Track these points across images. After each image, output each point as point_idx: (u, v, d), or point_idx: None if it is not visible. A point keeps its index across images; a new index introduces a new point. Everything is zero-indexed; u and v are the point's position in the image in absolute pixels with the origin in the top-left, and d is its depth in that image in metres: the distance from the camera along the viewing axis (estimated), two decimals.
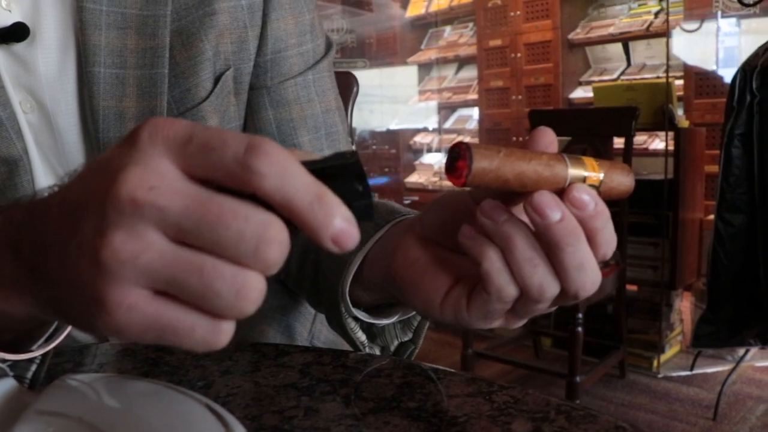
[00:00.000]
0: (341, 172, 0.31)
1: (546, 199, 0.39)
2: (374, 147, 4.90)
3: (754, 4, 2.62)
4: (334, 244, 0.29)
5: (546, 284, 0.40)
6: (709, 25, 3.09)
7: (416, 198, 4.51)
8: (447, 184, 4.26)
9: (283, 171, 0.29)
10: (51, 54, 0.64)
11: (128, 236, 0.28)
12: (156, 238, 0.29)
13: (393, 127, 4.92)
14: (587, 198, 0.39)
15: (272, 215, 0.29)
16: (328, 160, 0.31)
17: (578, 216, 0.39)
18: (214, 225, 0.28)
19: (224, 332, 0.30)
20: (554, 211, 0.39)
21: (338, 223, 0.29)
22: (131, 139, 0.30)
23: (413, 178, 4.67)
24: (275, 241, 0.29)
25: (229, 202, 0.29)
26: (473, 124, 4.43)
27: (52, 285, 0.32)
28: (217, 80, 0.69)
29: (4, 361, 0.42)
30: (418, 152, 4.83)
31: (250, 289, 0.29)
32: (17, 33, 0.62)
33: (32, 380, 0.45)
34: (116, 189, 0.28)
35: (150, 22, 0.65)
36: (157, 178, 0.29)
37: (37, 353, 0.44)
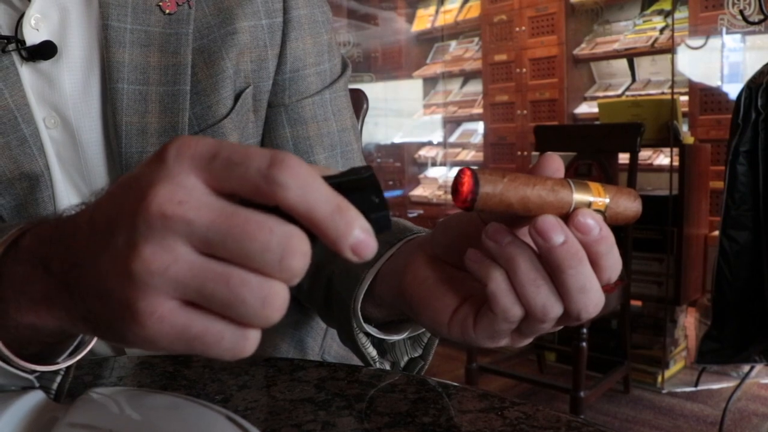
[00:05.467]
0: (358, 186, 0.32)
1: (549, 223, 0.40)
2: (379, 160, 4.91)
3: (759, 22, 2.63)
4: (354, 254, 0.31)
5: (549, 305, 0.41)
6: (714, 42, 3.11)
7: (421, 211, 4.51)
8: (452, 197, 4.25)
9: (306, 183, 0.30)
10: (76, 71, 0.66)
11: (158, 248, 0.30)
12: (185, 251, 0.30)
13: (398, 140, 4.94)
14: (592, 223, 0.40)
15: (295, 227, 0.30)
16: (345, 175, 0.33)
17: (582, 240, 0.40)
18: (241, 237, 0.30)
19: (250, 340, 0.31)
20: (557, 234, 0.40)
21: (357, 234, 0.30)
22: (159, 157, 0.31)
23: (418, 192, 4.67)
24: (298, 252, 0.30)
25: (254, 215, 0.30)
26: (478, 139, 4.44)
27: (85, 299, 0.33)
28: (237, 98, 0.70)
29: (32, 372, 0.43)
30: (422, 166, 4.84)
31: (276, 298, 0.30)
32: (45, 51, 0.64)
33: (57, 392, 0.46)
34: (146, 204, 0.30)
35: (173, 40, 0.67)
36: (185, 194, 0.30)
37: (63, 365, 0.45)
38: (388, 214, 0.32)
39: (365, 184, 0.32)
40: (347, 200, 0.31)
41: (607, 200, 0.42)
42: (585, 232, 0.40)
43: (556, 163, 0.43)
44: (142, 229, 0.30)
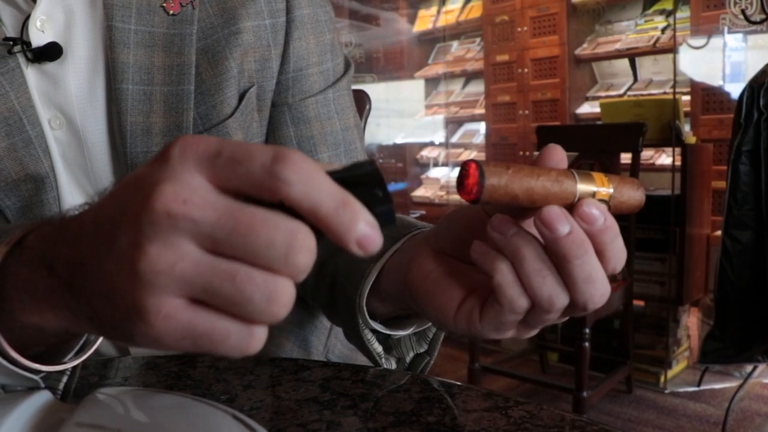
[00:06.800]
0: (362, 180, 0.32)
1: (554, 213, 0.40)
2: (381, 161, 4.91)
3: (761, 22, 2.63)
4: (359, 248, 0.30)
5: (555, 295, 0.41)
6: (715, 41, 3.10)
7: (423, 212, 4.51)
8: (454, 198, 4.26)
9: (309, 179, 0.30)
10: (81, 72, 0.66)
11: (164, 247, 0.30)
12: (190, 249, 0.30)
13: (400, 141, 4.94)
14: (596, 212, 0.40)
15: (300, 223, 0.30)
16: (348, 169, 0.32)
17: (587, 230, 0.40)
18: (246, 234, 0.30)
19: (257, 337, 0.31)
20: (562, 224, 0.40)
21: (362, 227, 0.30)
22: (162, 157, 0.31)
23: (420, 192, 4.68)
24: (304, 248, 0.30)
25: (258, 212, 0.30)
26: (480, 139, 4.43)
27: (90, 299, 0.33)
28: (241, 97, 0.71)
29: (37, 372, 0.43)
30: (424, 166, 4.84)
31: (281, 294, 0.30)
32: (50, 52, 0.64)
33: (64, 391, 0.46)
34: (151, 203, 0.30)
35: (176, 40, 0.67)
36: (190, 192, 0.30)
37: (68, 365, 0.45)
38: (392, 208, 0.32)
39: (369, 178, 0.32)
40: (351, 194, 0.31)
41: (611, 190, 0.42)
42: (590, 222, 0.40)
43: (559, 154, 0.43)
44: (147, 228, 0.30)
